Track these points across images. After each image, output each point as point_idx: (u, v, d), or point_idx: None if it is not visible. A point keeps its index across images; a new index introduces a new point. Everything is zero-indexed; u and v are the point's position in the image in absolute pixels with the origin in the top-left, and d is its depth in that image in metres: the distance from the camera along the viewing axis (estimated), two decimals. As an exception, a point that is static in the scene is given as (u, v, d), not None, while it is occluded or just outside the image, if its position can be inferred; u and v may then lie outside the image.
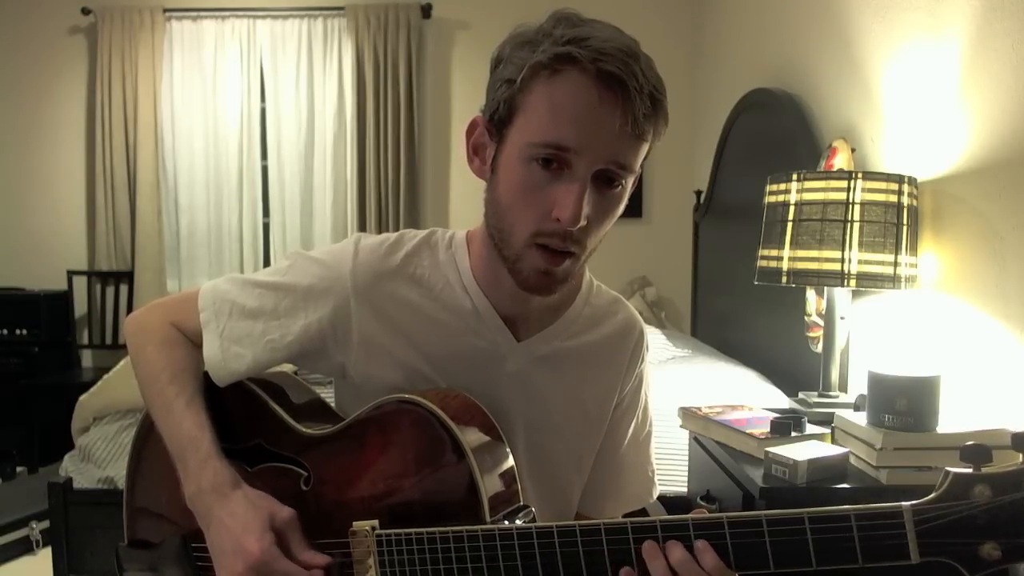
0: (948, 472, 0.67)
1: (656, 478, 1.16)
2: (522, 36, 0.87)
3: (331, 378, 1.08)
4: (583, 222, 0.84)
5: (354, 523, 0.88)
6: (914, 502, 0.68)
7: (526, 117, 0.85)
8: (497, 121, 0.88)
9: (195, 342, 1.03)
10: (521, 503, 0.91)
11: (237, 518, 0.90)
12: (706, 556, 0.74)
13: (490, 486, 0.87)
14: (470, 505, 0.85)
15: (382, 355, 0.98)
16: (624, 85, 0.81)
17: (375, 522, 0.88)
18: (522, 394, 1.00)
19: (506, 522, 0.85)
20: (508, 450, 0.93)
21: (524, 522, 0.85)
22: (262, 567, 0.87)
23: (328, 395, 1.12)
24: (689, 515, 0.76)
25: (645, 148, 0.87)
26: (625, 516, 1.10)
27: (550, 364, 1.02)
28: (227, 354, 1.00)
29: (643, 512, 1.15)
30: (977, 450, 0.67)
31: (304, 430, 0.98)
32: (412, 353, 0.98)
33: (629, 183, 0.89)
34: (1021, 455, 0.66)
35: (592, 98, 0.81)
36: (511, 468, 0.92)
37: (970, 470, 0.67)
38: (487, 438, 0.92)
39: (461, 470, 0.86)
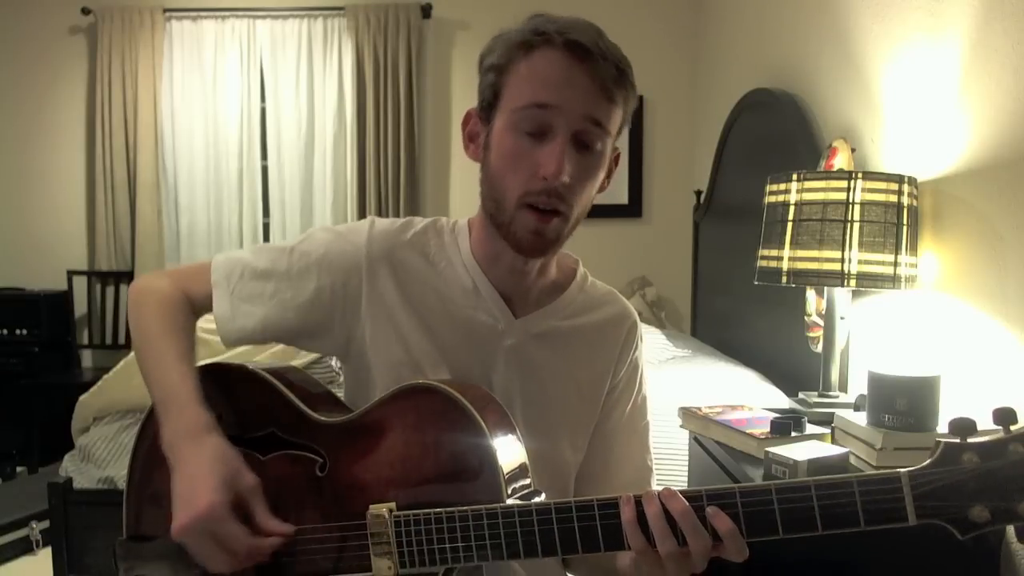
0: (939, 441, 0.73)
1: (655, 467, 1.17)
2: (501, 34, 0.99)
3: (331, 377, 1.09)
4: (566, 178, 0.93)
5: (371, 506, 0.89)
6: (910, 468, 0.73)
7: (509, 92, 0.96)
8: (486, 107, 0.99)
9: (198, 311, 1.06)
10: (533, 489, 0.93)
11: (201, 466, 0.90)
12: (718, 520, 0.77)
13: (508, 471, 0.89)
14: (489, 486, 0.87)
15: (388, 327, 1.03)
16: (589, 52, 0.92)
17: (392, 504, 0.89)
18: (519, 368, 1.05)
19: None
20: (521, 441, 0.95)
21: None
22: (208, 523, 0.87)
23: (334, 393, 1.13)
24: (703, 487, 0.80)
25: (618, 114, 0.97)
26: None
27: (546, 341, 1.07)
28: (237, 311, 1.04)
29: None
30: (962, 423, 0.72)
31: (319, 417, 1.00)
32: (416, 325, 1.03)
33: (608, 147, 0.98)
34: (1002, 427, 0.71)
35: (564, 64, 0.93)
36: (524, 459, 0.94)
37: (959, 440, 0.72)
38: (503, 426, 0.94)
39: (481, 452, 0.88)
